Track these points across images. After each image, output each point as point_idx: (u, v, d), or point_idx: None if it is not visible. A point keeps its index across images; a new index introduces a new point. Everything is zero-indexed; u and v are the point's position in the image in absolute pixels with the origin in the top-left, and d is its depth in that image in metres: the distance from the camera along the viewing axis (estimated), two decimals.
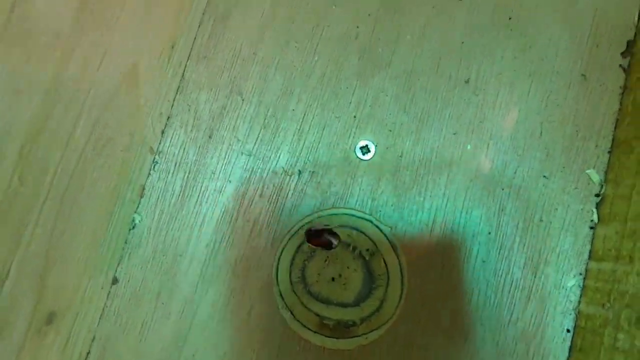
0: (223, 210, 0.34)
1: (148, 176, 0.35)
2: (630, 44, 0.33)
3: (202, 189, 0.34)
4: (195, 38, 0.36)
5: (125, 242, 0.34)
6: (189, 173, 0.35)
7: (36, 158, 0.22)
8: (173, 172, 0.35)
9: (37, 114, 0.21)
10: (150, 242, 0.34)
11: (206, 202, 0.34)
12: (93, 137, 0.26)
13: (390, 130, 0.34)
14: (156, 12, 0.29)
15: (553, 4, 0.33)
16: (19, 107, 0.21)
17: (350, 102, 0.34)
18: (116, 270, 0.34)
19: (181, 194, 0.34)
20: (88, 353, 0.33)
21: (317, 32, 0.35)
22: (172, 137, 0.35)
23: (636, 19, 0.33)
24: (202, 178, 0.35)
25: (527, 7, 0.34)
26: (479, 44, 0.34)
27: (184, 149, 0.35)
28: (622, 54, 0.33)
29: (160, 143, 0.35)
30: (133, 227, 0.34)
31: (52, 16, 0.21)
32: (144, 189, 0.35)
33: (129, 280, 0.34)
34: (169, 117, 0.35)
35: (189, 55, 0.36)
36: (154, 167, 0.35)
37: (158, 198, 0.35)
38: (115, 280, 0.34)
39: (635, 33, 0.33)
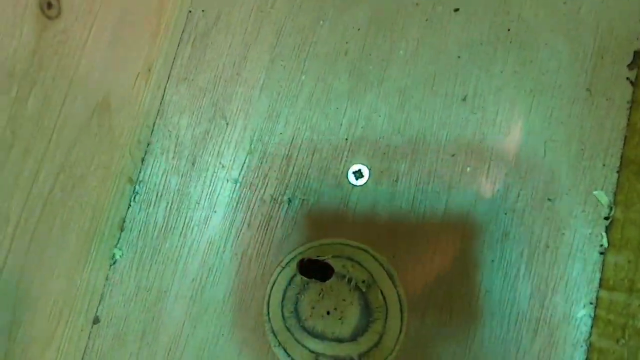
0: (209, 242, 0.32)
1: (128, 208, 0.32)
2: (637, 55, 0.30)
3: (187, 220, 0.32)
4: (174, 59, 0.33)
5: (106, 279, 0.32)
6: (171, 203, 0.32)
7: (6, 204, 0.20)
8: (155, 203, 0.32)
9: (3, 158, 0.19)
10: (133, 277, 0.32)
11: (191, 234, 0.32)
12: (61, 177, 0.24)
13: (384, 153, 0.31)
14: (127, 35, 0.27)
15: (554, 14, 0.31)
16: None
17: (341, 124, 0.32)
18: (97, 310, 0.32)
19: (164, 226, 0.32)
20: None
21: (304, 49, 0.33)
22: (152, 166, 0.33)
23: None
24: (185, 208, 0.32)
25: (526, 18, 0.32)
26: (476, 58, 0.32)
27: (166, 177, 0.33)
28: (629, 65, 0.30)
29: (140, 172, 0.33)
30: (114, 263, 0.32)
31: (4, 52, 0.19)
32: (124, 221, 0.32)
33: (111, 319, 0.31)
34: (148, 144, 0.33)
35: (169, 77, 0.33)
36: (134, 198, 0.32)
37: (140, 231, 0.32)
38: (96, 320, 0.32)
39: None
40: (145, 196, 0.32)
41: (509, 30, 0.31)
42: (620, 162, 0.29)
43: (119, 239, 0.32)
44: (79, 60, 0.23)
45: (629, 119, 0.30)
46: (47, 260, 0.24)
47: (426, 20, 0.32)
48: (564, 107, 0.30)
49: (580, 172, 0.30)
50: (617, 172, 0.29)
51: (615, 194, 0.29)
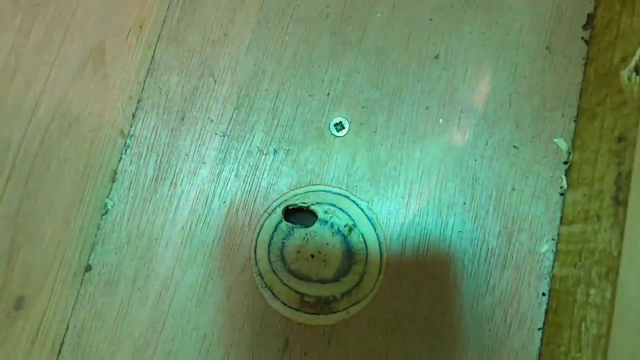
0: (198, 192, 0.33)
1: (120, 160, 0.33)
2: (590, 17, 0.33)
3: (176, 171, 0.33)
4: (164, 20, 0.35)
5: (98, 228, 0.33)
6: (162, 156, 0.34)
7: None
8: (145, 156, 0.34)
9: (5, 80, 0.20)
10: (124, 227, 0.33)
11: (180, 184, 0.33)
12: (58, 114, 0.25)
13: (364, 107, 0.33)
14: None
15: None
16: None
17: (323, 81, 0.34)
18: (89, 258, 0.33)
19: (155, 178, 0.33)
20: (62, 344, 0.32)
21: (288, 12, 0.35)
22: (143, 120, 0.34)
23: None
24: (175, 160, 0.34)
25: None
26: (446, 21, 0.34)
27: (156, 131, 0.34)
28: (584, 27, 0.33)
29: (131, 127, 0.34)
30: (105, 213, 0.33)
31: None
32: (115, 173, 0.33)
33: (103, 267, 0.32)
34: (139, 100, 0.34)
35: (159, 37, 0.35)
36: (125, 151, 0.34)
37: (131, 182, 0.33)
38: (88, 268, 0.32)
39: (595, 6, 0.33)
40: (136, 149, 0.33)
41: None
42: (577, 112, 0.32)
43: (110, 189, 0.33)
44: (77, 4, 0.24)
45: (584, 74, 0.33)
46: (44, 196, 0.25)
47: None
48: (526, 64, 0.33)
49: (542, 121, 0.32)
50: (575, 121, 0.32)
51: (573, 141, 0.32)
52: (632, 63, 0.26)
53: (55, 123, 0.24)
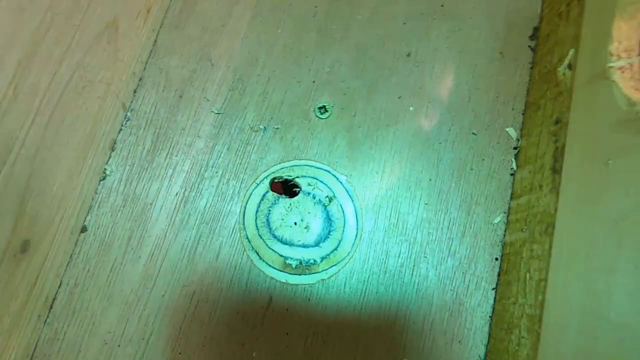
0: (193, 162, 0.36)
1: (119, 131, 0.36)
2: (535, 30, 0.40)
3: (173, 143, 0.36)
4: (168, 8, 0.39)
5: (95, 192, 0.35)
6: (159, 129, 0.37)
7: (29, 77, 0.24)
8: (144, 128, 0.36)
9: (34, 36, 0.23)
10: (121, 192, 0.35)
11: (176, 155, 0.36)
12: (76, 74, 0.28)
13: (345, 94, 0.38)
14: None
15: None
16: (21, 24, 0.23)
17: (309, 70, 0.38)
18: (85, 219, 0.35)
19: (152, 148, 0.36)
20: (54, 299, 0.33)
21: (280, 9, 0.39)
22: (144, 97, 0.37)
23: (539, 10, 0.40)
24: (172, 134, 0.37)
25: None
26: (417, 25, 0.40)
27: (155, 107, 0.37)
28: (530, 37, 0.40)
29: (132, 101, 0.37)
30: (103, 178, 0.35)
31: None
32: (115, 142, 0.36)
33: (98, 228, 0.34)
34: (141, 78, 0.37)
35: (162, 23, 0.38)
36: (125, 123, 0.36)
37: (129, 152, 0.36)
38: (84, 229, 0.34)
39: (539, 21, 0.40)
40: (135, 122, 0.36)
41: (442, 5, 0.40)
42: (525, 106, 0.38)
43: (109, 157, 0.35)
44: None
45: (530, 75, 0.39)
46: (57, 147, 0.28)
47: None
48: (484, 65, 0.39)
49: (496, 113, 0.38)
50: (522, 113, 0.38)
51: (521, 130, 0.37)
52: (566, 62, 0.32)
53: (73, 81, 0.27)
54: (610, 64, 0.26)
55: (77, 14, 0.25)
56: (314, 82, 0.38)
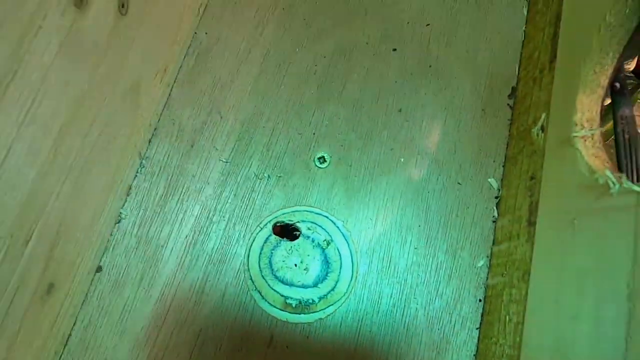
0: (202, 207, 0.39)
1: (135, 177, 0.39)
2: (513, 89, 0.44)
3: (184, 189, 0.40)
4: (181, 66, 0.42)
5: (111, 235, 0.38)
6: (172, 176, 0.40)
7: (66, 140, 0.27)
8: (158, 175, 0.40)
9: (74, 104, 0.26)
10: (134, 234, 0.38)
11: (187, 200, 0.39)
12: (104, 133, 0.31)
13: (342, 145, 0.42)
14: (158, 43, 0.36)
15: (460, 59, 0.45)
16: (64, 95, 0.26)
17: (310, 122, 0.42)
18: (101, 260, 0.37)
19: (164, 194, 0.39)
20: (69, 336, 0.35)
21: (284, 67, 0.44)
22: (157, 145, 0.40)
23: (517, 71, 0.45)
24: (183, 180, 0.40)
25: (442, 60, 0.45)
26: (408, 83, 0.44)
27: (168, 155, 0.40)
28: (509, 96, 0.44)
29: (147, 150, 0.40)
30: (119, 221, 0.38)
31: (96, 30, 0.27)
32: (130, 188, 0.39)
33: (112, 268, 0.37)
34: (156, 129, 0.41)
35: (176, 79, 0.42)
36: (140, 170, 0.40)
37: (143, 197, 0.39)
38: (99, 269, 0.37)
39: (517, 81, 0.44)
40: (150, 169, 0.39)
41: (430, 66, 0.44)
42: (505, 159, 0.42)
43: (124, 201, 0.38)
44: (129, 48, 0.31)
45: (509, 131, 0.43)
46: (83, 195, 0.31)
47: (373, 54, 0.44)
48: (468, 120, 0.43)
49: (479, 165, 0.42)
50: (503, 165, 0.42)
51: (502, 180, 0.41)
52: (539, 124, 0.36)
53: (100, 139, 0.31)
54: (574, 134, 0.30)
55: (107, 84, 0.29)
56: (314, 134, 0.41)
